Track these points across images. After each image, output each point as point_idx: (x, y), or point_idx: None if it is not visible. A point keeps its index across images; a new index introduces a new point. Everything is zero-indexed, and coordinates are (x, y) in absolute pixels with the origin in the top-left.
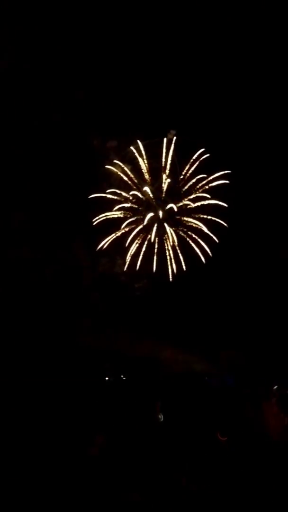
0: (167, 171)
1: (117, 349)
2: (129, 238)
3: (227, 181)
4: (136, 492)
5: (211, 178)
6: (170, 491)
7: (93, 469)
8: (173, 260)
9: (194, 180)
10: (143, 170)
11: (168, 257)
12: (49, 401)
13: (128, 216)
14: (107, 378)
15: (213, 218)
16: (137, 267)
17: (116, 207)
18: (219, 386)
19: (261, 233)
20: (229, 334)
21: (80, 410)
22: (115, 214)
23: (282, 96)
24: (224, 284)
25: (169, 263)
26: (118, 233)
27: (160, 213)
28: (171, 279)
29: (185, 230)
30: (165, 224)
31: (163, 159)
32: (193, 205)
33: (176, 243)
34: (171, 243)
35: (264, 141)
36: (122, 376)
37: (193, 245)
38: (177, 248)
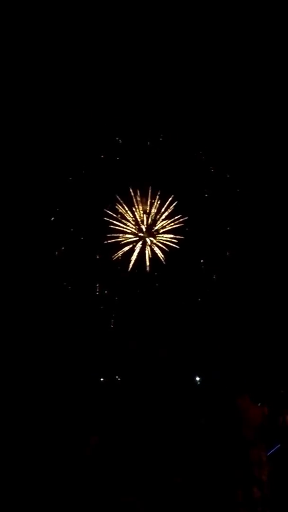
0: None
1: (109, 348)
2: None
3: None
4: (131, 494)
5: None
6: (165, 491)
7: (86, 470)
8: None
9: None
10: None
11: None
12: (42, 401)
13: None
14: (102, 379)
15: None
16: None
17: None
18: (207, 380)
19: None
20: (215, 328)
21: (74, 410)
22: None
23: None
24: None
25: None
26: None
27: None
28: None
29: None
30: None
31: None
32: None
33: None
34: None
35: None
36: (117, 377)
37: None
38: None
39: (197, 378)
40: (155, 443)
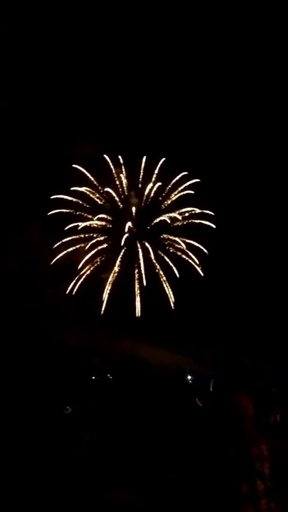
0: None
1: (100, 347)
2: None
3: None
4: (125, 490)
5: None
6: (159, 488)
7: (79, 468)
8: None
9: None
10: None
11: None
12: (34, 400)
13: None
14: (93, 377)
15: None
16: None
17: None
18: (202, 384)
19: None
20: (213, 333)
21: (66, 408)
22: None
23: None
24: (210, 283)
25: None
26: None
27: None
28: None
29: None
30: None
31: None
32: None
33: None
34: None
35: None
36: (108, 375)
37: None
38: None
39: (189, 377)
40: (151, 441)
